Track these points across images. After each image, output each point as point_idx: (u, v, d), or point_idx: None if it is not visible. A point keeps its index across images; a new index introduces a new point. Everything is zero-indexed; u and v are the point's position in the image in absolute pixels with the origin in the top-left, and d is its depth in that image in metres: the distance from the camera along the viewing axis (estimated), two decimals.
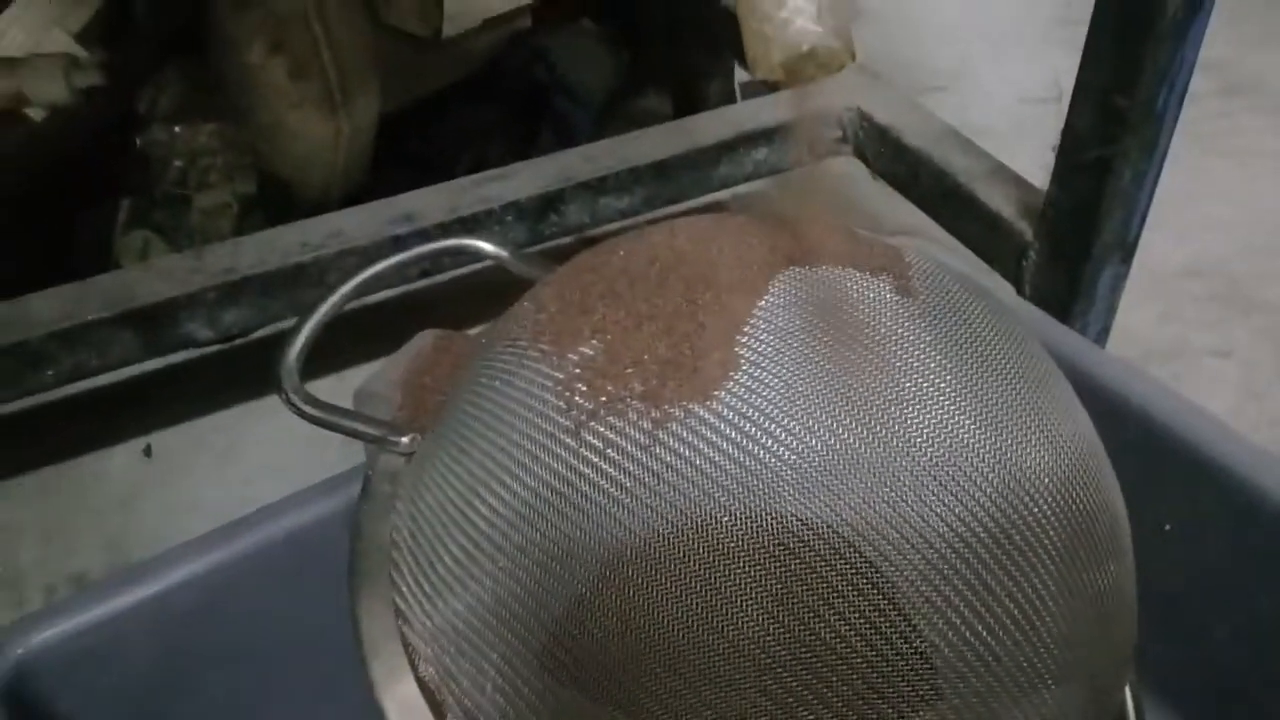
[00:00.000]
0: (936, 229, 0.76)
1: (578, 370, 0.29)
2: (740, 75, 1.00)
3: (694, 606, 0.27)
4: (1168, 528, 0.52)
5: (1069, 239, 0.63)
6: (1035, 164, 0.68)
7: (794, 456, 0.27)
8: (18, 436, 0.78)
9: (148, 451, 0.77)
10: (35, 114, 0.79)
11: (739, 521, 0.27)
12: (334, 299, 0.38)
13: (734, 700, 0.27)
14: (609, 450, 0.28)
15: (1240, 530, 0.50)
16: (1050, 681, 0.29)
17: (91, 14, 0.82)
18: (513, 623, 0.28)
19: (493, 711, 0.28)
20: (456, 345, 0.38)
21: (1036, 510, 0.29)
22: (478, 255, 0.42)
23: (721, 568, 0.27)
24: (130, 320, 0.62)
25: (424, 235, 0.67)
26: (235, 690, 0.52)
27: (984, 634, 0.28)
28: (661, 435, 0.27)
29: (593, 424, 0.28)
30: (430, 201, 0.70)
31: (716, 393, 0.28)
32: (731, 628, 0.27)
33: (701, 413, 0.27)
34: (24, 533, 0.72)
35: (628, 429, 0.28)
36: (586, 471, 0.28)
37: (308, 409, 0.35)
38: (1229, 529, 0.50)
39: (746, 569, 0.27)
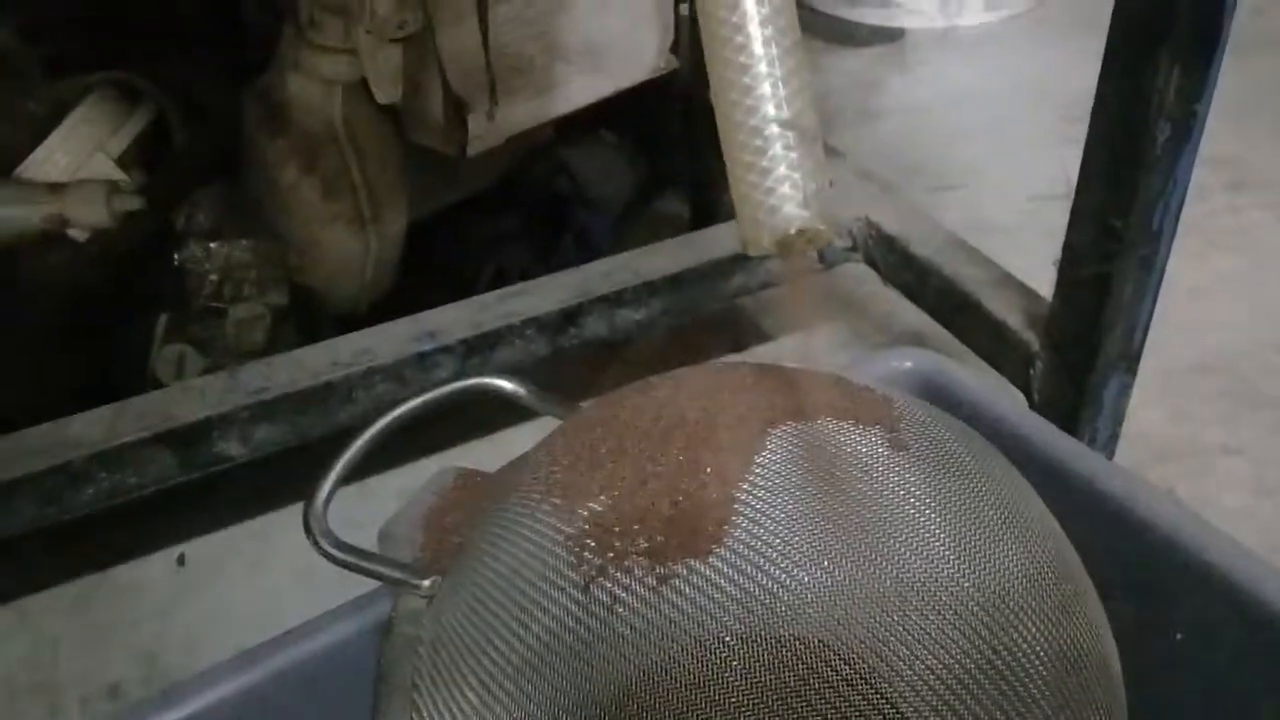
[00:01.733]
0: (947, 335, 0.78)
1: (586, 526, 0.31)
2: None
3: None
4: (1179, 637, 0.53)
5: (1073, 350, 0.65)
6: (1045, 259, 0.70)
7: (789, 594, 0.29)
8: (55, 547, 0.80)
9: (181, 560, 0.79)
10: (78, 235, 0.82)
11: (739, 643, 0.29)
12: (358, 444, 0.40)
13: None
14: (616, 606, 0.30)
15: (1247, 638, 0.51)
16: None
17: (132, 139, 0.87)
18: None
19: None
20: (475, 484, 0.40)
21: (1019, 637, 0.31)
22: (498, 394, 0.44)
23: (724, 686, 0.29)
24: (167, 440, 0.64)
25: (448, 351, 0.70)
26: None
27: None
28: (665, 590, 0.29)
29: (600, 579, 0.30)
30: (454, 318, 0.73)
31: (716, 549, 0.30)
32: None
33: (702, 568, 0.29)
34: (60, 642, 0.74)
35: (633, 585, 0.30)
36: (593, 623, 0.30)
37: (335, 553, 0.37)
38: (1235, 637, 0.51)
39: (747, 685, 0.29)
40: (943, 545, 0.31)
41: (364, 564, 0.37)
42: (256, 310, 0.89)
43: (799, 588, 0.29)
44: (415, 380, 0.70)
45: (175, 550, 0.79)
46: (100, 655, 0.73)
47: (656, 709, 0.29)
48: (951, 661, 0.30)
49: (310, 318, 0.91)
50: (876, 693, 0.29)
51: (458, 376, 0.73)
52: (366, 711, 0.55)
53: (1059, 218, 0.66)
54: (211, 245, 0.88)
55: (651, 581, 0.30)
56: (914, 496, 0.32)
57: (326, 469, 0.40)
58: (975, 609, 0.30)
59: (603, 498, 0.31)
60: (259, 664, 0.51)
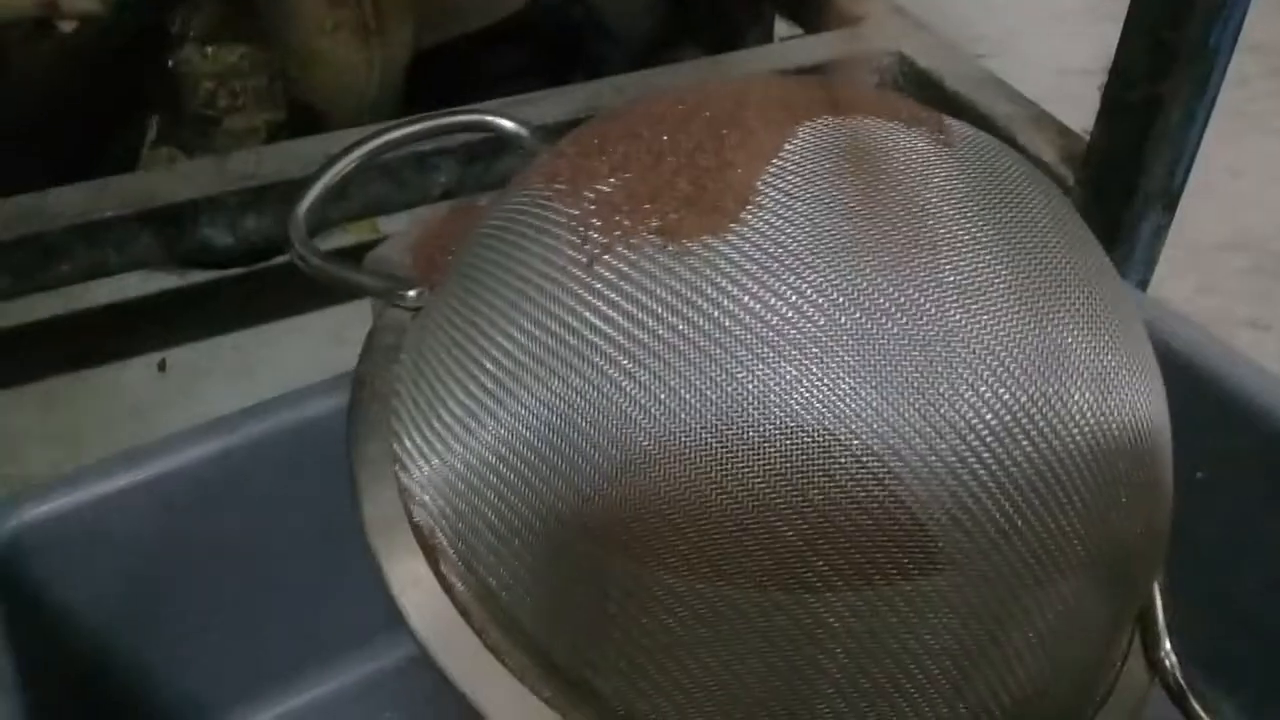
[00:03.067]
0: None
1: (593, 207, 0.28)
2: (780, 28, 0.99)
3: (705, 452, 0.26)
4: (1199, 475, 0.50)
5: (1111, 184, 0.61)
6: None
7: (816, 300, 0.26)
8: (33, 346, 0.78)
9: (162, 366, 0.76)
10: (65, 26, 0.78)
11: (753, 374, 0.26)
12: (350, 157, 0.37)
13: (742, 547, 0.25)
14: (623, 283, 0.26)
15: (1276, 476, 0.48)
16: (1071, 567, 0.28)
17: None
18: (517, 469, 0.27)
19: (488, 555, 0.27)
20: (471, 211, 0.37)
21: (1075, 395, 0.27)
22: (495, 131, 0.40)
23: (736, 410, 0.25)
24: (150, 220, 0.61)
25: (449, 154, 0.66)
26: (233, 581, 0.51)
27: (1001, 503, 0.26)
28: (677, 268, 0.26)
29: (606, 258, 0.27)
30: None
31: (737, 228, 0.26)
32: (741, 476, 0.25)
33: (721, 247, 0.26)
34: (32, 438, 0.71)
35: (643, 262, 0.26)
36: (599, 306, 0.26)
37: (314, 261, 0.34)
38: (1264, 475, 0.49)
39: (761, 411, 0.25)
40: (990, 267, 0.27)
41: (345, 274, 0.34)
42: (252, 123, 0.85)
43: (827, 300, 0.26)
44: (413, 183, 0.66)
45: (157, 356, 0.77)
46: (70, 451, 0.70)
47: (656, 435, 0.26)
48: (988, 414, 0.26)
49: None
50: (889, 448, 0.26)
51: (458, 182, 0.70)
52: (341, 491, 0.52)
53: (1088, 93, 0.63)
54: (208, 49, 0.84)
55: (663, 259, 0.26)
56: (960, 207, 0.28)
57: (313, 176, 0.36)
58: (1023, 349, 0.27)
59: (612, 179, 0.28)
60: (233, 430, 0.49)
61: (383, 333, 0.33)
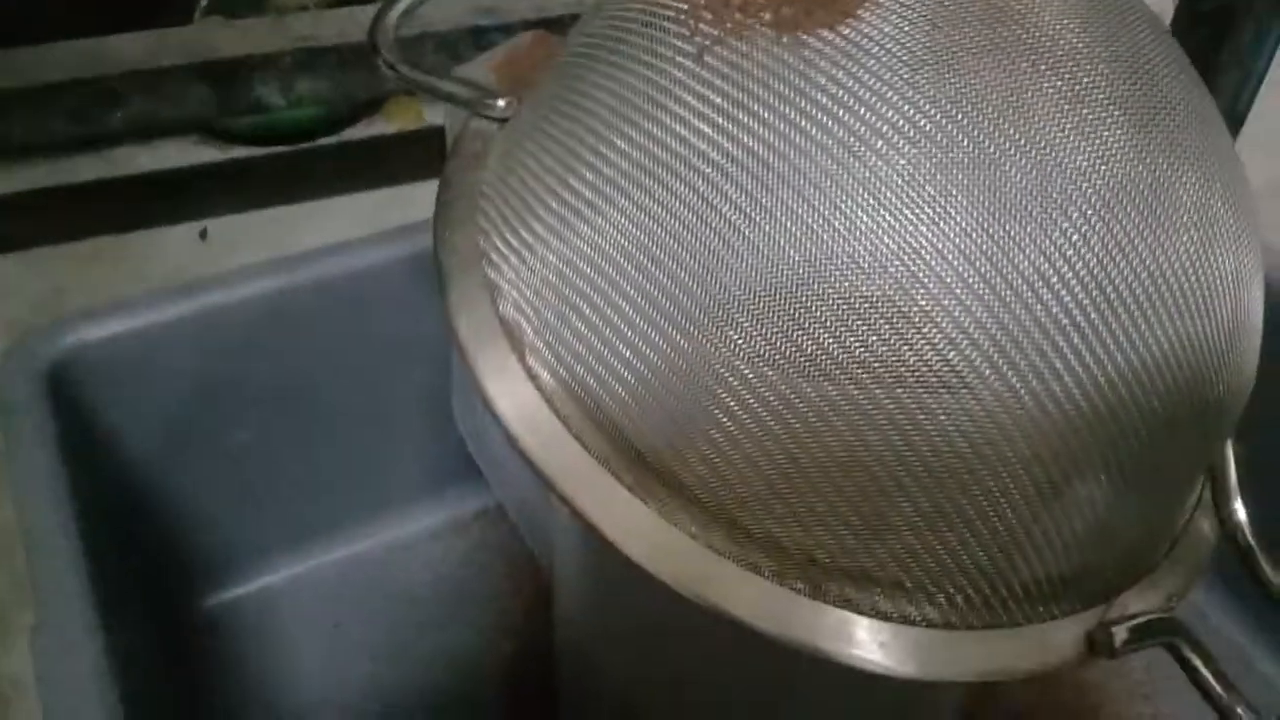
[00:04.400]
0: None
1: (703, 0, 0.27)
2: None
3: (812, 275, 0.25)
4: None
5: None
6: None
7: (936, 106, 0.25)
8: (78, 206, 0.78)
9: (203, 235, 0.76)
10: None
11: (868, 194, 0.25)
12: None
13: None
14: (736, 74, 0.26)
15: None
16: (1154, 411, 0.27)
17: None
18: (610, 275, 0.27)
19: (576, 345, 0.27)
20: (557, 42, 0.36)
21: (1182, 235, 0.27)
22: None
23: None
24: (206, 72, 0.60)
25: (507, 30, 0.66)
26: (280, 428, 0.51)
27: (1096, 336, 0.26)
28: (792, 59, 0.26)
29: (717, 49, 0.26)
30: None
31: (855, 24, 0.26)
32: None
33: (837, 41, 0.26)
34: (76, 295, 0.71)
35: (756, 54, 0.26)
36: (711, 98, 0.26)
37: (401, 67, 0.34)
38: None
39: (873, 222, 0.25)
40: (1108, 86, 0.27)
41: (431, 81, 0.33)
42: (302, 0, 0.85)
43: (946, 87, 0.25)
44: (469, 56, 0.65)
45: (199, 225, 0.77)
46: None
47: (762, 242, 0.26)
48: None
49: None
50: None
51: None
52: (393, 341, 0.52)
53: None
54: None
55: (778, 49, 0.26)
56: (1081, 22, 0.27)
57: None
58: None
59: None
60: (290, 270, 0.49)
61: (470, 140, 0.32)
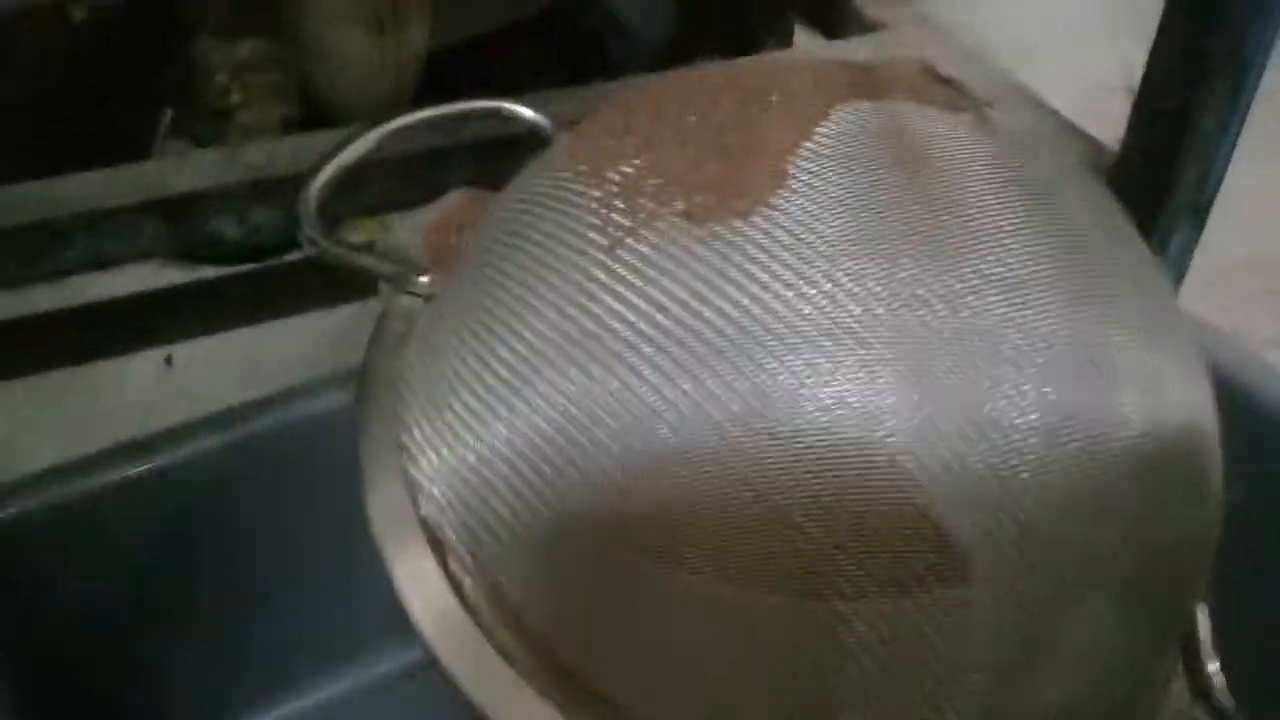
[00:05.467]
0: None
1: (617, 189, 0.26)
2: (800, 40, 0.97)
3: (731, 448, 0.24)
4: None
5: (1141, 195, 0.60)
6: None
7: (852, 290, 0.24)
8: (37, 339, 0.77)
9: (169, 361, 0.75)
10: (77, 12, 0.77)
11: (784, 365, 0.24)
12: (364, 138, 0.35)
13: (766, 549, 0.24)
14: (647, 268, 0.25)
15: None
16: (1113, 581, 0.26)
17: None
18: (532, 463, 0.26)
19: (499, 552, 0.26)
20: (488, 199, 0.35)
21: (1123, 396, 0.26)
22: (516, 120, 0.39)
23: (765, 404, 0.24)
24: (158, 209, 0.60)
25: (466, 150, 0.65)
26: (236, 581, 0.50)
27: (1042, 510, 0.25)
28: (704, 253, 0.25)
29: (629, 241, 0.26)
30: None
31: (767, 211, 0.25)
32: (768, 474, 0.24)
33: (750, 231, 0.25)
34: (41, 430, 0.70)
35: (668, 246, 0.25)
36: (622, 292, 0.25)
37: (322, 242, 0.33)
38: None
39: (792, 406, 0.24)
40: (1035, 261, 0.26)
41: (354, 257, 0.33)
42: (266, 118, 0.85)
43: (862, 275, 0.25)
44: (428, 179, 0.65)
45: (164, 351, 0.76)
46: (76, 446, 0.69)
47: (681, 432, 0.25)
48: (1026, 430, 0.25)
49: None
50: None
51: (474, 181, 0.69)
52: (350, 488, 0.51)
53: (1114, 108, 0.61)
54: (221, 43, 0.83)
55: (690, 243, 0.25)
56: (1002, 197, 0.27)
57: (323, 158, 0.35)
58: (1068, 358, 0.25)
59: (637, 161, 0.27)
60: (239, 422, 0.48)
61: (393, 320, 0.32)
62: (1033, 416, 0.24)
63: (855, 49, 0.75)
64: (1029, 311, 0.25)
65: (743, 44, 0.96)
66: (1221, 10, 0.53)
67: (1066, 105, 1.06)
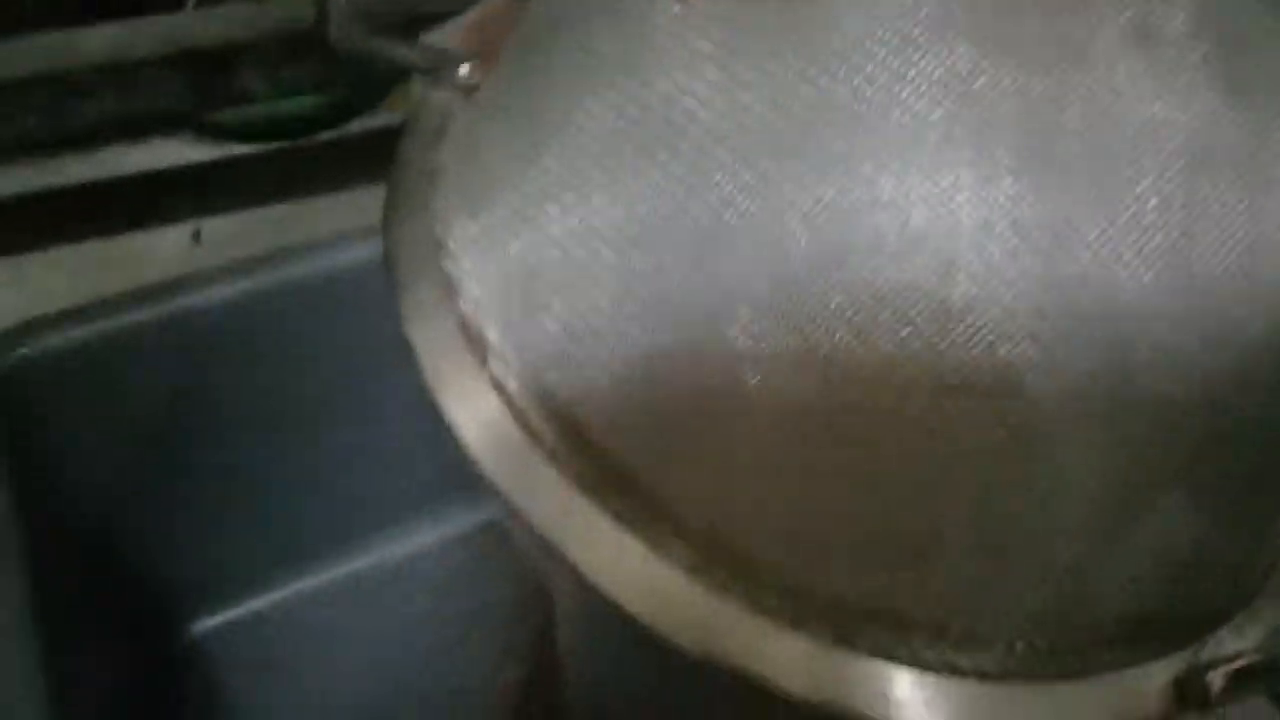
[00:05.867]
0: None
1: None
2: None
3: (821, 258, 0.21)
4: None
5: None
6: None
7: (970, 56, 0.21)
8: (67, 210, 0.74)
9: (196, 237, 0.72)
10: None
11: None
12: None
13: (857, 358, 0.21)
14: (728, 16, 0.21)
15: None
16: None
17: None
18: (592, 263, 0.22)
19: (552, 351, 0.23)
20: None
21: None
22: None
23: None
24: (184, 63, 0.56)
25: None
26: (254, 441, 0.47)
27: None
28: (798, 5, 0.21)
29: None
30: None
31: None
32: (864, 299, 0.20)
33: None
34: (65, 302, 0.68)
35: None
36: (700, 49, 0.22)
37: (354, 37, 0.29)
38: None
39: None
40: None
41: (387, 48, 0.29)
42: None
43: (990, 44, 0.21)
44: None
45: (191, 226, 0.73)
46: None
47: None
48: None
49: None
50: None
51: None
52: (372, 341, 0.48)
53: None
54: None
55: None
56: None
57: None
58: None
59: None
60: (262, 271, 0.45)
61: (428, 114, 0.28)
62: (1175, 209, 0.21)
63: None
64: (1177, 72, 0.21)
65: None
66: None
67: None
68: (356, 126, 0.82)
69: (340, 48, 0.30)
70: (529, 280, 0.23)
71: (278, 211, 0.75)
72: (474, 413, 0.23)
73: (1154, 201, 0.20)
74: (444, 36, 0.32)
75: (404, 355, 0.50)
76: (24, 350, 0.40)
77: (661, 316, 0.22)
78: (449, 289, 0.24)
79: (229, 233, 0.73)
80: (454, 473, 0.51)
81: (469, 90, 0.28)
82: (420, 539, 0.52)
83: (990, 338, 0.20)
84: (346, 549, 0.51)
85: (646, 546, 0.22)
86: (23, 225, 0.72)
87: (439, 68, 0.28)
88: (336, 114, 0.81)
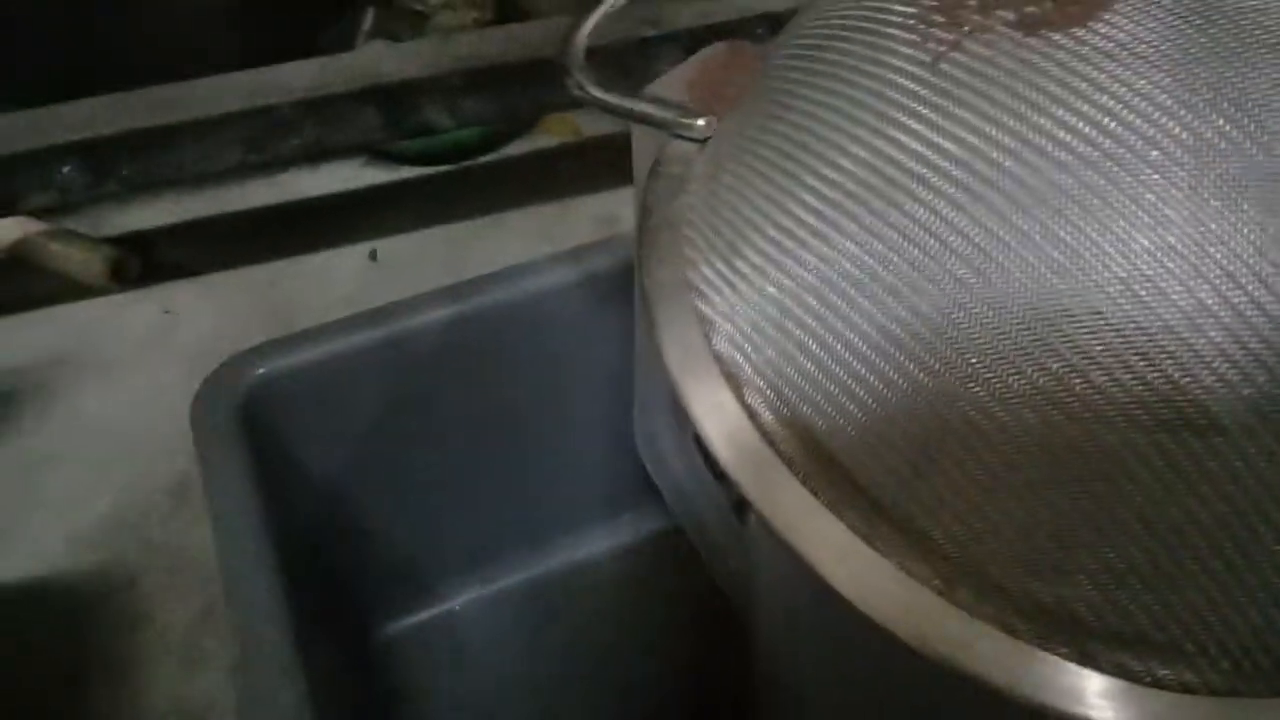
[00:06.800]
0: None
1: (934, 2, 0.25)
2: None
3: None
4: None
5: None
6: None
7: (1212, 116, 0.22)
8: (251, 232, 0.79)
9: (373, 256, 0.77)
10: None
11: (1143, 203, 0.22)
12: None
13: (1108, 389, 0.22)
14: (975, 81, 0.23)
15: None
16: None
17: None
18: (845, 309, 0.25)
19: (801, 384, 0.25)
20: (750, 51, 0.34)
21: None
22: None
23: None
24: (374, 97, 0.60)
25: (673, 40, 0.64)
26: (462, 450, 0.51)
27: None
28: (1044, 62, 0.23)
29: (954, 55, 0.24)
30: (679, 9, 0.66)
31: (1111, 19, 0.23)
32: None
33: (1096, 39, 0.23)
34: (250, 320, 0.73)
35: (999, 59, 0.23)
36: (947, 108, 0.24)
37: (593, 91, 0.32)
38: None
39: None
40: None
41: (626, 104, 0.32)
42: (461, 20, 0.85)
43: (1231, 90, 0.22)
44: (637, 68, 0.64)
45: (368, 246, 0.77)
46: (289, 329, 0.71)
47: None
48: None
49: None
50: None
51: None
52: (574, 357, 0.51)
53: None
54: None
55: (1025, 54, 0.23)
56: None
57: (587, 7, 0.34)
58: None
59: None
60: (474, 294, 0.48)
61: (669, 163, 0.31)
62: None
63: None
64: None
65: None
66: None
67: None
68: (513, 150, 0.86)
69: (580, 100, 0.33)
70: (784, 321, 0.26)
71: (446, 231, 0.79)
72: (731, 439, 0.25)
73: None
74: (667, 87, 0.34)
75: (587, 375, 0.53)
76: (261, 370, 0.44)
77: (914, 357, 0.24)
78: (703, 325, 0.27)
79: (403, 252, 0.77)
80: (633, 482, 0.54)
81: (704, 141, 0.31)
82: (601, 545, 0.55)
83: (1236, 378, 0.21)
84: (532, 553, 0.55)
85: (896, 567, 0.24)
86: (211, 247, 0.77)
87: (675, 121, 0.31)
88: (492, 140, 0.85)
